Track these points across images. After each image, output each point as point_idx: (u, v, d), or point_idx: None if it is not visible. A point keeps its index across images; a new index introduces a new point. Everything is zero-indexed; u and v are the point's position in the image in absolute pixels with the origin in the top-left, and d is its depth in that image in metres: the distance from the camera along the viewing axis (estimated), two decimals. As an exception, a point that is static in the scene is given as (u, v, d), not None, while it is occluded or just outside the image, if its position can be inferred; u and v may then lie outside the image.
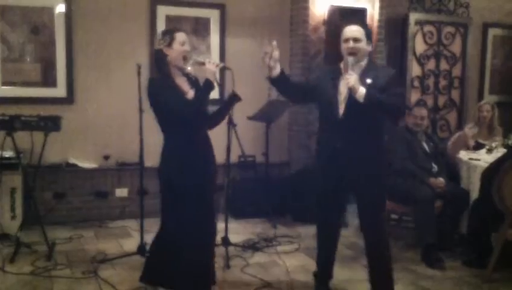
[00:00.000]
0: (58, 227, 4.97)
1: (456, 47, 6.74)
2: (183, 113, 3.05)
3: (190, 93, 3.14)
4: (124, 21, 5.41)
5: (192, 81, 3.25)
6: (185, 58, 3.16)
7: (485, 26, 7.03)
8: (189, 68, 3.20)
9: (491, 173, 4.10)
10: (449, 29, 6.67)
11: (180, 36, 3.14)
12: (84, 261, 4.22)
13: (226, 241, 4.40)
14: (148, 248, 4.14)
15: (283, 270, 4.16)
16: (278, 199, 5.59)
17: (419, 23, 6.49)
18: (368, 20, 5.84)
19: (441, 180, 4.58)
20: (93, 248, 4.52)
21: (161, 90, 3.09)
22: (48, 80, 5.22)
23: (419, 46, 6.56)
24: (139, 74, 4.02)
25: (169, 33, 3.18)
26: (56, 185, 5.20)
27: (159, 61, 3.16)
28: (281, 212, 5.56)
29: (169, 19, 5.50)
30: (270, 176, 5.60)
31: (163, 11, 5.50)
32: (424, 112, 4.84)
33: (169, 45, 3.12)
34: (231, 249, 4.43)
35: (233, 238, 4.59)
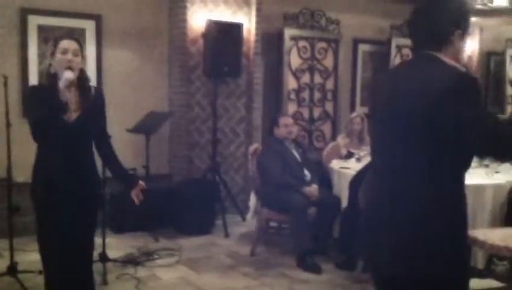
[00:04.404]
0: None
1: (328, 61, 7.10)
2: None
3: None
4: (-8, 30, 5.13)
5: (85, 93, 2.95)
6: (69, 68, 2.83)
7: (355, 42, 7.48)
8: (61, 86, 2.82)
9: (357, 181, 4.37)
10: (322, 44, 7.02)
11: (62, 44, 2.89)
12: None
13: (103, 257, 4.30)
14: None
15: (162, 284, 4.15)
16: (160, 211, 5.55)
17: (294, 38, 6.78)
18: (245, 35, 6.00)
19: (314, 187, 4.79)
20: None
21: (29, 97, 2.94)
22: None
23: (295, 61, 6.85)
24: (5, 85, 3.83)
25: (53, 42, 2.96)
26: None
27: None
28: (163, 225, 5.53)
29: (41, 28, 5.29)
30: (151, 189, 5.52)
31: (34, 20, 5.27)
32: (289, 120, 5.09)
33: (52, 54, 2.91)
34: (110, 265, 4.33)
35: (114, 253, 4.51)
